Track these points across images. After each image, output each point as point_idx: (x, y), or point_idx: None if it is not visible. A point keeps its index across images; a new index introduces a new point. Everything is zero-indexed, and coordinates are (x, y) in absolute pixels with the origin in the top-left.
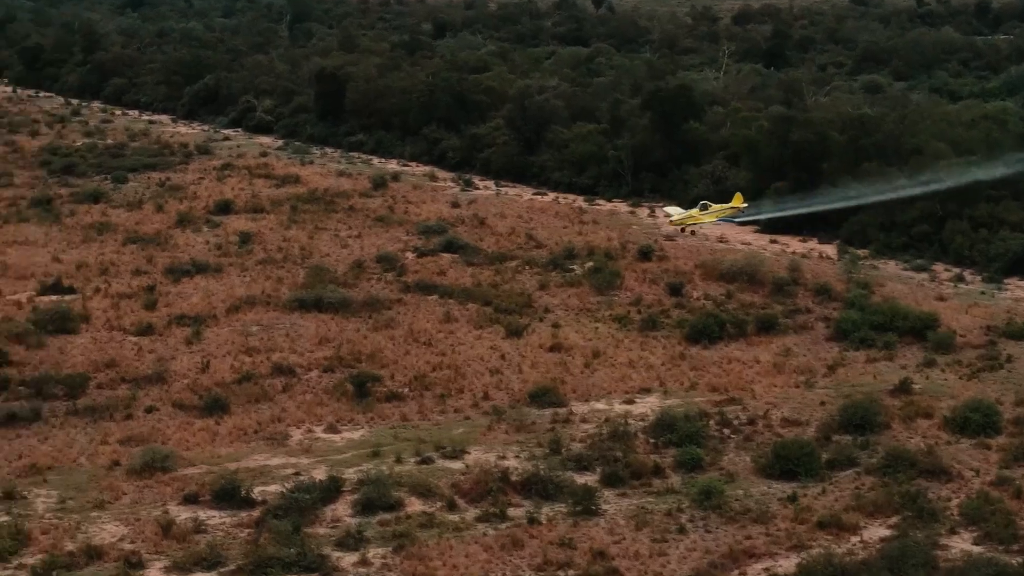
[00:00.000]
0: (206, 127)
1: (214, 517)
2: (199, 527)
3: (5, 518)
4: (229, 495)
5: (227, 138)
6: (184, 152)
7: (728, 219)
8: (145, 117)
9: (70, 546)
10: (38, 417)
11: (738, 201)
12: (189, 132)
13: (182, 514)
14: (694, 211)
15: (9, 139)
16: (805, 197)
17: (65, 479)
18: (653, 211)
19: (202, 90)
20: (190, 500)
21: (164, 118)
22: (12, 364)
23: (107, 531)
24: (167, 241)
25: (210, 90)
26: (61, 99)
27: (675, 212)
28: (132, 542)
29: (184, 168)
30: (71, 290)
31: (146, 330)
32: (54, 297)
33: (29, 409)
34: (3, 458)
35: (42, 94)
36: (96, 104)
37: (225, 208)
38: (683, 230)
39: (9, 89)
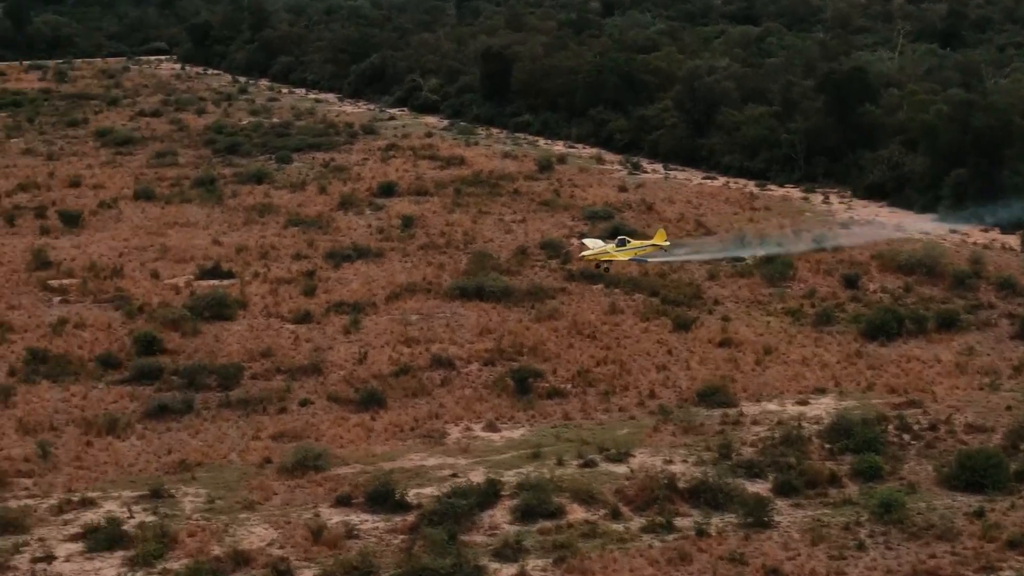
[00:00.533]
0: (372, 106)
1: (367, 521)
2: (351, 532)
3: (151, 518)
4: (383, 498)
5: (392, 117)
6: (349, 132)
7: (641, 259)
8: (311, 95)
9: (217, 550)
10: (190, 409)
11: (660, 238)
12: (355, 111)
13: (334, 517)
14: (609, 246)
15: (176, 117)
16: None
17: (215, 477)
18: (827, 198)
19: (368, 68)
20: (343, 502)
21: (330, 96)
22: (166, 352)
23: (256, 534)
24: (329, 224)
25: (376, 69)
26: (228, 77)
27: (593, 245)
28: (281, 547)
29: (349, 148)
30: (230, 274)
31: (304, 318)
32: (212, 281)
33: (181, 401)
34: (152, 453)
35: (210, 71)
36: (263, 82)
37: (388, 190)
38: (597, 266)
39: (177, 66)
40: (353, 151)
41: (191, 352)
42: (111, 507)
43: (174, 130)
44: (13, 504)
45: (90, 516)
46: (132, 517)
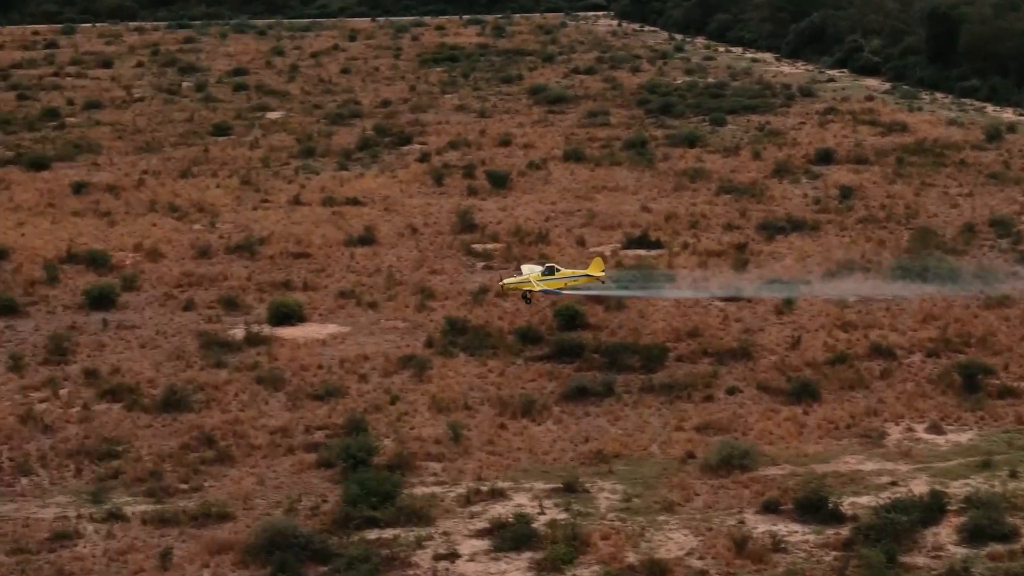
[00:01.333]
0: (810, 67)
1: (796, 532)
2: (778, 545)
3: (563, 515)
4: (814, 506)
5: (831, 79)
6: (786, 94)
7: (554, 291)
8: (748, 55)
9: (631, 557)
10: (610, 392)
11: (596, 269)
12: (792, 72)
13: (759, 526)
14: (534, 274)
15: (609, 75)
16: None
17: (633, 471)
18: None
19: (808, 28)
20: (769, 508)
21: (767, 56)
22: (589, 327)
23: (674, 541)
24: (762, 192)
25: (816, 28)
26: (665, 34)
27: (530, 271)
28: (701, 558)
29: (785, 111)
30: (658, 244)
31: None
32: (639, 251)
33: (601, 383)
34: (568, 440)
35: (646, 28)
36: (699, 40)
37: (826, 157)
38: (523, 296)
39: (614, 22)
40: (789, 114)
41: (614, 329)
42: (522, 500)
43: (607, 88)
44: (420, 491)
45: (499, 509)
46: (543, 513)
